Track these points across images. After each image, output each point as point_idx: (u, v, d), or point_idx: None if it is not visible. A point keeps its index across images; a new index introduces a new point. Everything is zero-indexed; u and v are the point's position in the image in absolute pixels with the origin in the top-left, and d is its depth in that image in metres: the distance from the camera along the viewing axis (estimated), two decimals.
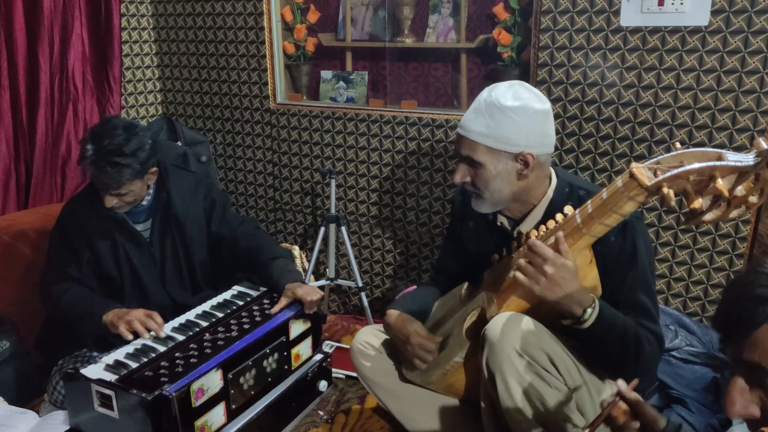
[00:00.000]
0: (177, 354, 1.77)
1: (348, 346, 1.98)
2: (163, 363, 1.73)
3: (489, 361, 1.52)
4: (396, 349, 1.86)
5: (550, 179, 1.66)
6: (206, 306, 2.06)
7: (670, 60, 2.18)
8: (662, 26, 2.16)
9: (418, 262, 2.85)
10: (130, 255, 2.08)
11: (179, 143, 3.06)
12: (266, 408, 1.87)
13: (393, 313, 1.79)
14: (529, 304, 1.56)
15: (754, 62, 2.07)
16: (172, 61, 3.23)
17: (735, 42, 2.08)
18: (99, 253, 2.06)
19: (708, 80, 2.15)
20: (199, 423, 1.66)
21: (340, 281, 2.83)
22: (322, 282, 2.83)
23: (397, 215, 2.84)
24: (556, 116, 2.27)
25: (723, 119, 2.16)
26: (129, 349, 1.82)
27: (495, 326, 1.51)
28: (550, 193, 1.65)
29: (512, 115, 1.54)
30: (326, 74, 2.99)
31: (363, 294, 2.71)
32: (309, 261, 2.80)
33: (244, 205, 3.24)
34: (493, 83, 1.64)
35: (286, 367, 1.96)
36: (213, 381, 1.69)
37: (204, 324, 1.94)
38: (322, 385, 2.09)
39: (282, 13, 2.94)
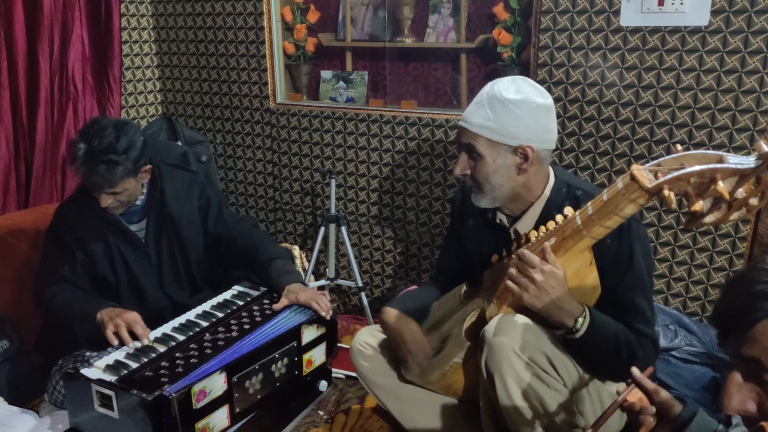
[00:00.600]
0: (177, 354, 1.77)
1: (348, 346, 1.98)
2: (163, 363, 1.72)
3: (488, 361, 1.52)
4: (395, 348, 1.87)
5: (548, 178, 1.67)
6: (206, 306, 2.06)
7: (670, 60, 2.18)
8: (662, 26, 2.16)
9: (418, 262, 2.85)
10: (126, 256, 2.07)
11: (179, 143, 3.06)
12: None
13: (391, 312, 1.78)
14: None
15: (754, 62, 2.07)
16: (172, 61, 3.23)
17: (735, 42, 2.08)
18: (93, 255, 2.04)
19: (708, 80, 2.15)
20: (200, 425, 1.65)
21: (340, 281, 2.83)
22: (322, 282, 2.83)
23: (397, 215, 2.84)
24: (556, 116, 2.27)
25: (723, 119, 2.16)
26: (129, 349, 1.82)
27: (494, 327, 1.52)
28: (548, 191, 1.65)
29: (513, 108, 1.54)
30: (326, 74, 2.99)
31: (363, 294, 2.71)
32: (309, 261, 2.80)
33: (244, 205, 3.24)
34: None
35: (296, 372, 1.93)
36: (216, 384, 1.68)
37: (204, 324, 1.94)
38: (322, 385, 2.08)
39: (282, 13, 2.94)
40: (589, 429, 1.21)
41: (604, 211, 1.37)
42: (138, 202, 2.06)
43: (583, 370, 1.59)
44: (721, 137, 2.17)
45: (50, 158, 2.73)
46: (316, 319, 1.96)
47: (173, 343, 1.83)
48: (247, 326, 1.91)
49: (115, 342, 1.84)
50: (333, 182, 2.70)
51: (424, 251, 2.82)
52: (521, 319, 1.52)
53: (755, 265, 0.89)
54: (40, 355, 2.24)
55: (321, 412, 2.21)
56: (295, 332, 1.91)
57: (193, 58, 3.16)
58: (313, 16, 2.94)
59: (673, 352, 2.14)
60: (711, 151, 1.17)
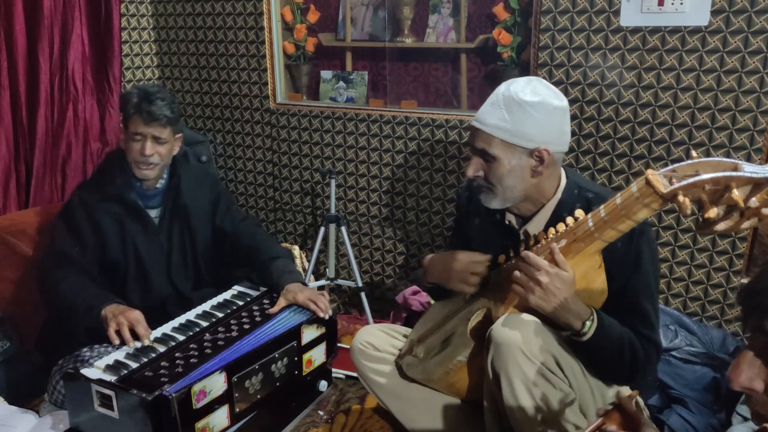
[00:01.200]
0: (177, 354, 1.77)
1: (348, 346, 1.98)
2: (163, 363, 1.72)
3: (494, 361, 1.51)
4: (396, 348, 1.86)
5: (560, 180, 1.66)
6: (206, 306, 2.06)
7: (670, 60, 2.18)
8: (662, 26, 2.16)
9: (418, 262, 2.85)
10: (137, 241, 2.08)
11: None
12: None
13: (432, 255, 1.81)
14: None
15: (754, 62, 2.07)
16: (172, 61, 3.23)
17: (735, 42, 2.08)
18: (105, 237, 2.06)
19: (708, 80, 2.15)
20: (200, 425, 1.65)
21: (340, 281, 2.83)
22: (322, 282, 2.84)
23: (398, 215, 2.84)
24: None
25: (723, 119, 2.16)
26: (129, 349, 1.82)
27: (501, 327, 1.51)
28: (559, 193, 1.64)
29: (530, 110, 1.53)
30: (326, 74, 2.99)
31: (363, 294, 2.71)
32: (309, 261, 2.80)
33: (244, 205, 3.24)
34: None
35: (296, 372, 1.94)
36: (216, 383, 1.68)
37: (204, 324, 1.94)
38: (322, 385, 2.09)
39: (282, 13, 2.94)
40: None
41: (617, 215, 1.36)
42: (159, 185, 2.11)
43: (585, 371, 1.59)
44: (721, 137, 2.17)
45: (50, 158, 2.72)
46: (315, 319, 1.97)
47: (173, 343, 1.83)
48: (247, 326, 1.91)
49: (117, 341, 1.83)
50: (333, 182, 2.70)
51: (424, 251, 2.81)
52: (529, 318, 1.51)
53: None
54: (40, 355, 2.24)
55: (321, 412, 2.21)
56: (295, 332, 1.91)
57: (193, 58, 3.16)
58: (313, 16, 2.94)
59: (674, 353, 2.14)
60: (726, 159, 1.17)
